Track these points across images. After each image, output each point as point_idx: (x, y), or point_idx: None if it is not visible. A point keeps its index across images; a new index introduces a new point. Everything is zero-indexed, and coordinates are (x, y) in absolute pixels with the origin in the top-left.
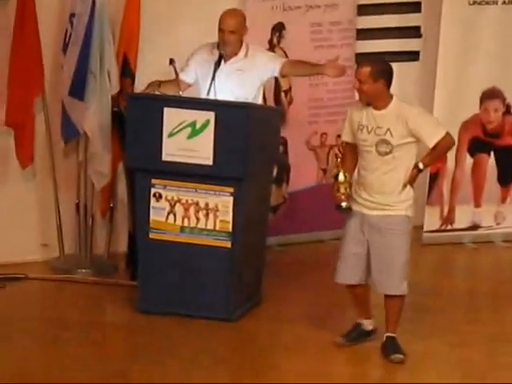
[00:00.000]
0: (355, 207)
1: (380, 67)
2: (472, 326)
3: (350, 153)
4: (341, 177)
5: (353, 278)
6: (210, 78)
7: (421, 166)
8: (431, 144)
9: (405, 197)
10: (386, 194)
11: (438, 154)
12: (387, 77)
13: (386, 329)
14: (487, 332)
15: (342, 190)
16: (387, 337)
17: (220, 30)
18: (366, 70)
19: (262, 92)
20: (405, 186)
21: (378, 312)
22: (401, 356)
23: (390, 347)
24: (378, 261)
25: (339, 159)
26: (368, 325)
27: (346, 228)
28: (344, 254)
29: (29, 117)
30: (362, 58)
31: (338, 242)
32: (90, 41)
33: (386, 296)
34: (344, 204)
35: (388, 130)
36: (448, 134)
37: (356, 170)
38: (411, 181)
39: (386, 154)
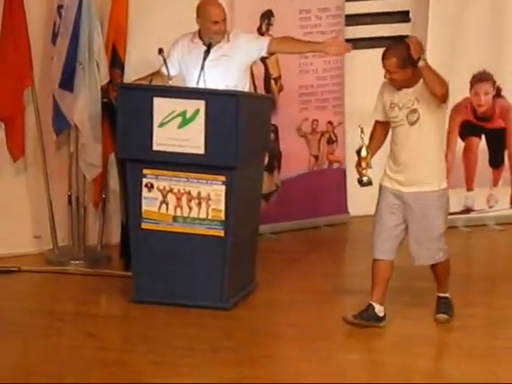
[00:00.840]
0: (388, 183)
1: (405, 54)
2: (468, 309)
3: (379, 130)
4: (363, 152)
5: (382, 253)
6: (195, 67)
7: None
8: None
9: (437, 170)
10: (417, 167)
11: (433, 71)
12: (413, 61)
13: (437, 290)
14: (483, 315)
15: (364, 164)
16: (438, 296)
17: (212, 22)
18: (393, 60)
19: (248, 78)
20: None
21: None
22: (445, 316)
23: (439, 306)
24: (414, 234)
25: (362, 133)
26: (380, 311)
27: (379, 204)
28: (378, 229)
29: (19, 109)
30: (353, 44)
31: (331, 229)
32: (78, 32)
33: (431, 265)
34: (365, 178)
35: (416, 98)
36: (447, 84)
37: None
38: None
39: (415, 122)
